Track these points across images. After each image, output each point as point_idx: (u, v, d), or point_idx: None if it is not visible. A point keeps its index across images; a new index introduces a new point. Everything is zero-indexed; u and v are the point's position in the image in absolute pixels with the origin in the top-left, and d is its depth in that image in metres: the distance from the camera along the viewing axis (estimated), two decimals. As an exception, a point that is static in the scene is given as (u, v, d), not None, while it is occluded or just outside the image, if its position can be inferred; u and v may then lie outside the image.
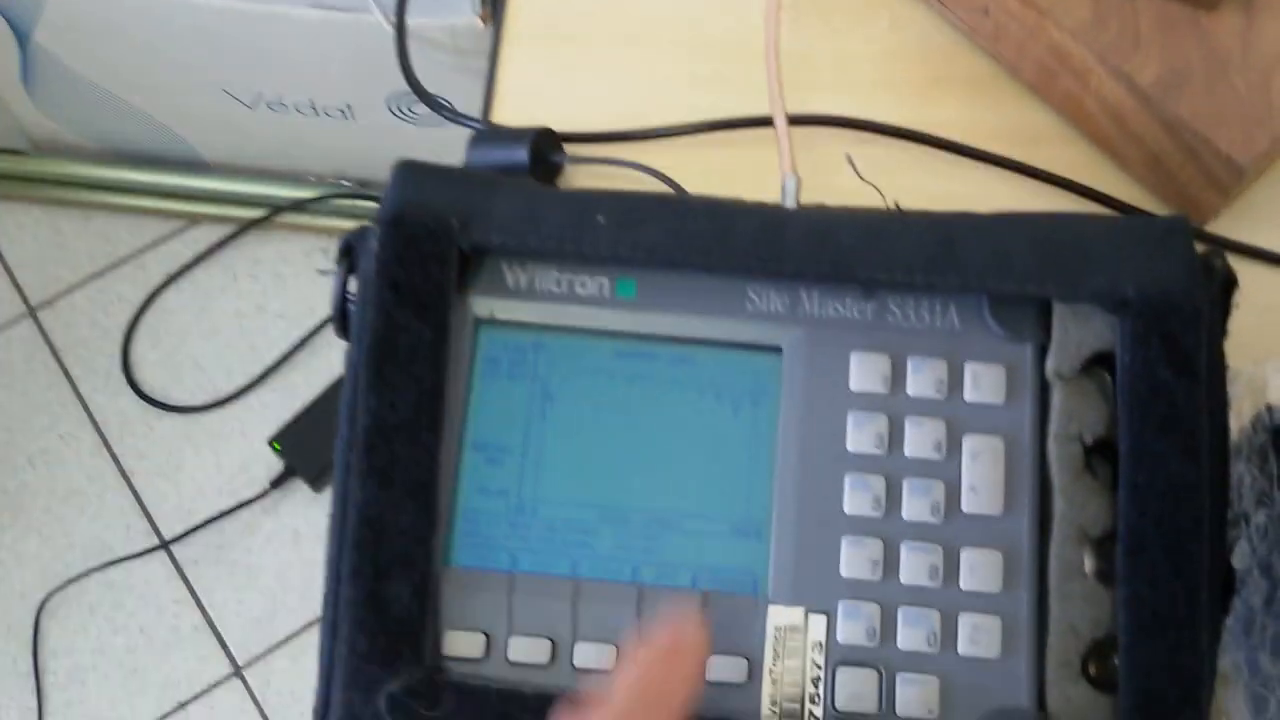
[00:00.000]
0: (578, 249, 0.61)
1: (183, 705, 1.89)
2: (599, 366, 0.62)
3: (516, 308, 0.62)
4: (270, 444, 1.97)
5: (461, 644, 0.58)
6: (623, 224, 0.62)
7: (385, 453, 0.58)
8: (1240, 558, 0.60)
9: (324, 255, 2.12)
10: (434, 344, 0.60)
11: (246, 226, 2.10)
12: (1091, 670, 0.58)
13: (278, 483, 1.96)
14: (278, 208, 2.07)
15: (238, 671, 1.91)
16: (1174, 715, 0.56)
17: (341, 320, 0.62)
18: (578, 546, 0.60)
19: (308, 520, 1.98)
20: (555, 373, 0.62)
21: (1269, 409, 0.62)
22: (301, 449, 1.96)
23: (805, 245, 0.61)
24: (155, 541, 1.96)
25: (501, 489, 0.60)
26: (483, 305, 0.62)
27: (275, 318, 2.09)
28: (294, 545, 1.97)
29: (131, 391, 2.04)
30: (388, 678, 0.56)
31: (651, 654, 0.50)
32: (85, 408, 2.04)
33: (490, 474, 0.61)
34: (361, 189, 2.05)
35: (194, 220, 2.13)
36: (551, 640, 0.58)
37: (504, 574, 0.59)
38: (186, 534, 1.96)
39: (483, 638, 0.58)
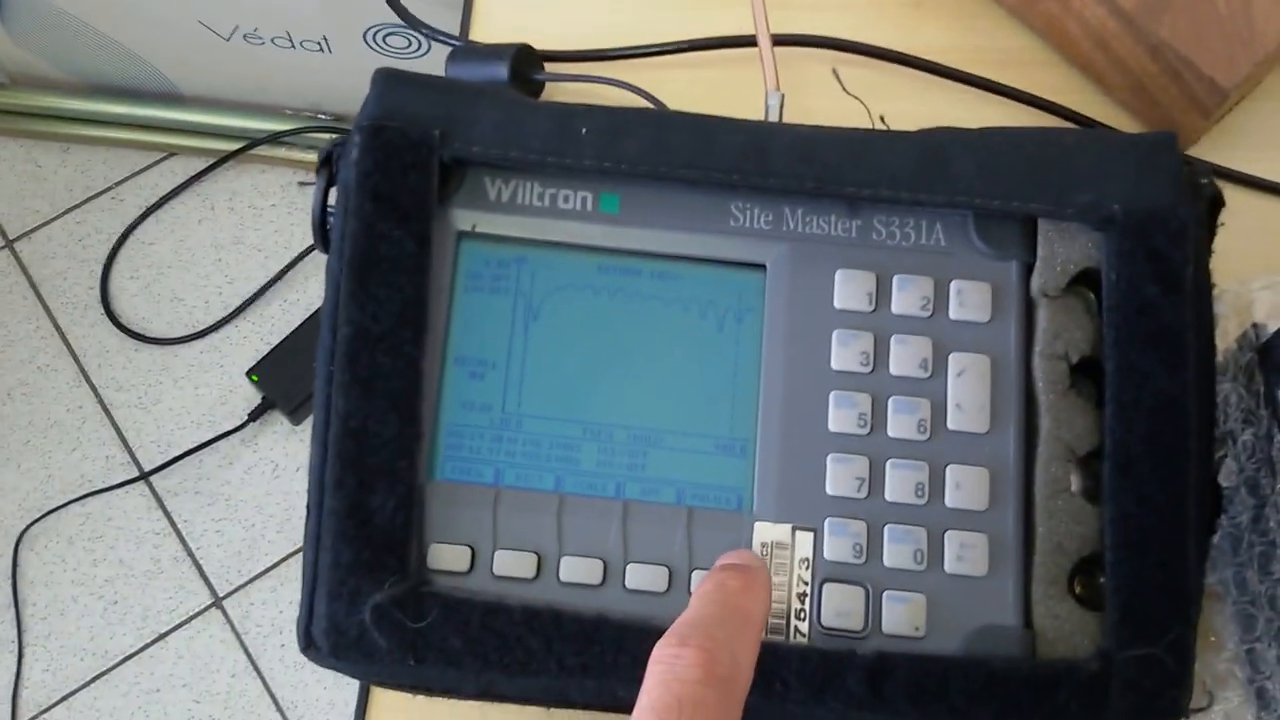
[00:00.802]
0: (560, 161, 0.60)
1: (163, 636, 1.90)
2: (582, 282, 0.61)
3: (498, 221, 0.61)
4: (248, 376, 1.97)
5: (446, 557, 0.58)
6: (606, 136, 0.61)
7: (367, 363, 0.57)
8: (1227, 476, 0.60)
9: (299, 190, 2.11)
10: (416, 255, 0.59)
11: (223, 159, 2.10)
12: (1078, 588, 0.58)
13: (256, 414, 1.97)
14: (254, 140, 2.07)
15: (217, 602, 1.92)
16: (1161, 633, 0.55)
17: (322, 231, 0.61)
18: (562, 462, 0.59)
19: (286, 452, 1.98)
20: (538, 287, 0.61)
21: (1255, 327, 0.62)
22: (279, 381, 1.96)
23: (790, 159, 0.60)
24: (135, 473, 1.97)
25: (485, 403, 0.60)
26: (464, 218, 0.61)
27: (252, 250, 2.09)
28: (273, 477, 1.97)
29: (110, 323, 2.04)
30: (372, 589, 0.55)
31: (729, 575, 0.50)
32: (64, 340, 2.04)
33: (473, 388, 0.60)
34: (337, 122, 2.05)
35: (171, 152, 2.12)
36: (537, 555, 0.58)
37: (488, 488, 0.59)
38: (166, 465, 1.96)
39: (468, 551, 0.58)
